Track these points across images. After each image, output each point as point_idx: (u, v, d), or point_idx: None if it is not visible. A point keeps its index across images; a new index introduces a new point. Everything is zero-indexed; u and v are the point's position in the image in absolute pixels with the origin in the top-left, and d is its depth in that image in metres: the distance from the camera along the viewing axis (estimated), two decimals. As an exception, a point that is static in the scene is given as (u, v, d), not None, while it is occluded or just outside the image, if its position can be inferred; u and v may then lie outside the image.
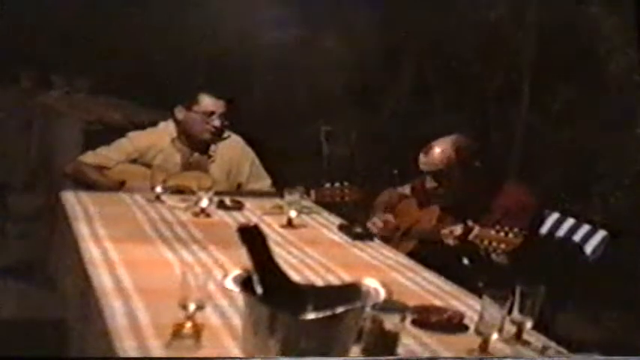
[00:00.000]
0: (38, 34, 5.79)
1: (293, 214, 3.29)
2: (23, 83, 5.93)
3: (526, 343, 2.11)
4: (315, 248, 2.95)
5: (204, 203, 3.36)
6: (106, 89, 5.84)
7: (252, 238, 1.84)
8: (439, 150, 3.18)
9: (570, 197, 4.63)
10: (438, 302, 2.40)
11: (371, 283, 1.85)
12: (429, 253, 3.02)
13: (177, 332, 1.95)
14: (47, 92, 5.95)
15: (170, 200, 3.52)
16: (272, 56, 5.61)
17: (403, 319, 1.92)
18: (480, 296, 2.10)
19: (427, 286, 2.59)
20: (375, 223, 3.36)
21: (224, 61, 5.54)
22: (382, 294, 1.81)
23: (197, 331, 1.96)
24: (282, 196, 3.38)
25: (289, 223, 3.27)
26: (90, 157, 3.91)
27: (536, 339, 2.13)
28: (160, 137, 3.98)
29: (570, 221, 3.28)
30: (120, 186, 3.81)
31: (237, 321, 2.03)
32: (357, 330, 1.81)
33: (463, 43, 5.40)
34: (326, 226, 3.38)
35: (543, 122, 5.12)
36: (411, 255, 3.01)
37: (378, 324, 1.88)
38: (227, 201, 3.53)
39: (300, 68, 5.58)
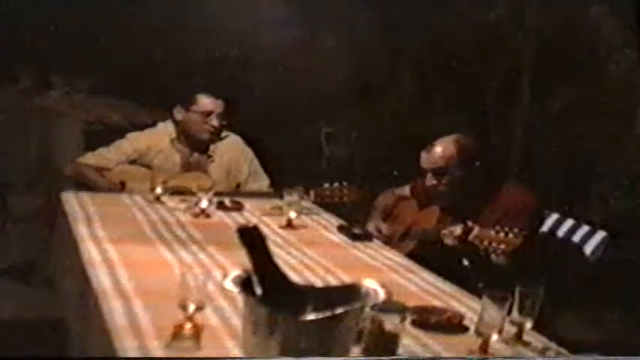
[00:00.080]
0: (38, 34, 5.78)
1: (293, 215, 3.29)
2: (23, 83, 5.92)
3: (526, 344, 2.11)
4: (314, 249, 2.95)
5: (203, 204, 3.36)
6: (106, 90, 5.83)
7: (252, 239, 1.84)
8: (441, 148, 3.19)
9: (570, 198, 4.63)
10: (437, 303, 2.40)
11: (370, 283, 1.85)
12: (428, 254, 3.01)
13: (176, 333, 1.95)
14: (47, 93, 5.94)
15: (170, 201, 3.53)
16: (272, 56, 5.60)
17: (403, 320, 1.92)
18: (480, 297, 2.10)
19: (427, 287, 2.59)
20: (370, 229, 3.37)
21: (224, 61, 5.53)
22: (382, 295, 1.81)
23: (197, 332, 1.96)
24: (281, 196, 3.38)
25: (289, 224, 3.27)
26: (89, 159, 3.91)
27: (536, 339, 2.13)
28: (159, 138, 3.98)
29: (570, 222, 3.28)
30: (120, 187, 3.82)
31: (236, 322, 2.03)
32: (356, 331, 1.82)
33: (463, 43, 5.40)
34: (325, 227, 3.38)
35: (543, 122, 5.12)
36: (410, 256, 3.01)
37: (377, 325, 1.88)
38: (227, 202, 3.54)
39: (300, 68, 5.57)
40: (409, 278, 2.68)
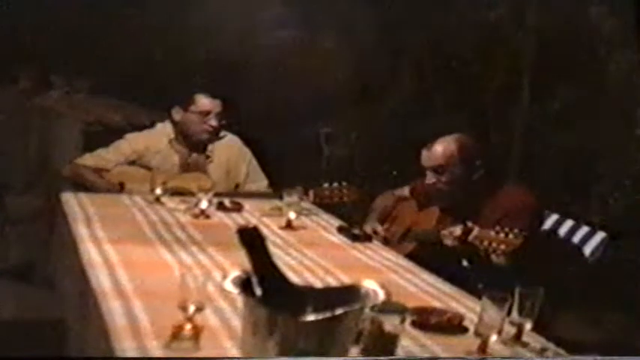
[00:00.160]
0: (38, 34, 5.78)
1: (292, 215, 3.29)
2: (23, 83, 5.92)
3: (525, 345, 2.10)
4: (314, 250, 2.95)
5: (203, 205, 3.36)
6: (105, 90, 5.83)
7: (252, 239, 1.84)
8: (442, 146, 3.20)
9: (570, 198, 4.63)
10: (437, 304, 2.40)
11: (370, 284, 1.85)
12: (428, 255, 3.01)
13: (176, 334, 1.95)
14: (47, 93, 5.94)
15: (170, 202, 3.52)
16: (272, 56, 5.60)
17: (402, 321, 1.92)
18: (480, 298, 2.10)
19: (426, 288, 2.59)
20: (367, 230, 3.37)
21: (224, 61, 5.53)
22: (381, 295, 1.81)
23: (196, 333, 1.96)
24: (281, 197, 3.38)
25: (288, 225, 3.27)
26: (87, 160, 3.91)
27: (536, 340, 2.13)
28: (158, 138, 3.98)
29: (569, 222, 3.28)
30: (119, 188, 3.82)
31: (236, 322, 2.03)
32: (356, 331, 1.81)
33: (463, 43, 5.40)
34: (325, 227, 3.38)
35: (543, 122, 5.12)
36: (410, 256, 3.01)
37: (377, 325, 1.88)
38: (226, 202, 3.53)
39: (299, 68, 5.57)
40: (409, 279, 2.68)
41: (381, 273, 2.74)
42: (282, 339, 1.68)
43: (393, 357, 1.90)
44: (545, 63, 5.02)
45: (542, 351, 2.09)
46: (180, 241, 2.94)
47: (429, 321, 2.16)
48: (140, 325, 2.02)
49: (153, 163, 3.87)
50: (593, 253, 3.12)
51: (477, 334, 2.04)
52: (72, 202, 3.40)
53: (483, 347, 2.02)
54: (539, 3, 5.14)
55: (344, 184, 3.64)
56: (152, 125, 4.10)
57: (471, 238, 2.87)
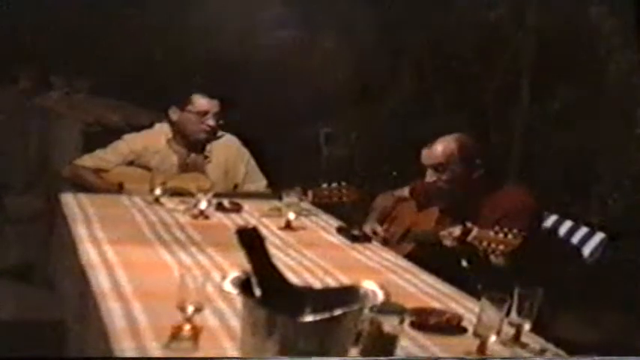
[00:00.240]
0: (38, 34, 5.79)
1: (291, 216, 3.29)
2: (22, 84, 5.92)
3: (524, 345, 2.10)
4: (313, 250, 2.95)
5: (202, 205, 3.35)
6: (105, 90, 5.83)
7: (251, 240, 1.84)
8: (442, 144, 3.21)
9: (569, 198, 4.63)
10: (436, 304, 2.40)
11: (369, 285, 1.85)
12: (427, 255, 3.01)
13: (175, 334, 1.95)
14: (46, 93, 5.95)
15: (169, 202, 3.52)
16: (272, 56, 5.60)
17: (402, 322, 1.92)
18: (479, 298, 2.10)
19: (425, 289, 2.59)
20: (367, 231, 3.37)
21: (224, 61, 5.53)
22: (380, 296, 1.81)
23: (195, 334, 1.96)
24: (280, 197, 3.38)
25: (288, 226, 3.27)
26: (86, 161, 3.91)
27: (535, 341, 2.13)
28: (156, 138, 3.98)
29: (569, 223, 3.28)
30: (118, 188, 3.81)
31: (235, 323, 2.03)
32: (355, 332, 1.81)
33: (463, 43, 5.40)
34: (324, 228, 3.38)
35: (543, 122, 5.12)
36: (409, 257, 3.01)
37: (376, 326, 1.88)
38: (225, 203, 3.53)
39: (299, 68, 5.57)
40: (408, 279, 2.68)
41: (380, 273, 2.74)
42: (282, 339, 1.68)
43: (392, 357, 1.90)
44: (545, 63, 5.02)
45: (542, 351, 2.09)
46: (179, 241, 2.94)
47: (428, 321, 2.16)
48: (139, 326, 2.02)
49: (152, 164, 3.87)
50: (592, 253, 3.12)
51: (476, 334, 2.04)
52: (71, 202, 3.40)
53: (482, 348, 2.02)
54: (539, 3, 5.14)
55: (343, 184, 3.64)
56: (150, 125, 4.10)
57: (470, 238, 2.86)
